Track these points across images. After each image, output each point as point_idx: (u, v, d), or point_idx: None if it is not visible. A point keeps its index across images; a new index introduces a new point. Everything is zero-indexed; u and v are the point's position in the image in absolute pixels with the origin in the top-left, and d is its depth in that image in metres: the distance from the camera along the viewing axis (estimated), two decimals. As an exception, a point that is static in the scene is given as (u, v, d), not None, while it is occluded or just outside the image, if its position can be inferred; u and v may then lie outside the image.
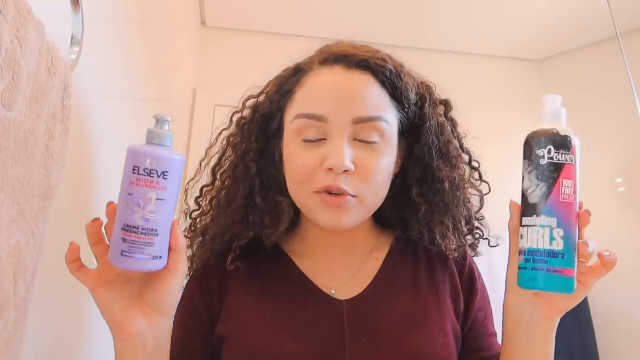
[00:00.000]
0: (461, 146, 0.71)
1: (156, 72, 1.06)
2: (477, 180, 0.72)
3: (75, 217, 0.56)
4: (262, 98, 0.70)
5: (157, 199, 0.44)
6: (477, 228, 0.71)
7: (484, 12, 1.84)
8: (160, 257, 0.47)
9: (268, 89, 0.69)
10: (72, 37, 0.50)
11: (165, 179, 0.45)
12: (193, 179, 0.72)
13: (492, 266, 1.21)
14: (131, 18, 0.81)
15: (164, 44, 1.14)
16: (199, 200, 0.72)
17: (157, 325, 0.50)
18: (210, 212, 0.70)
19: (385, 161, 0.61)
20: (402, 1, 1.76)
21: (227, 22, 1.95)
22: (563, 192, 0.49)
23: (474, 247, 0.71)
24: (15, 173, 0.37)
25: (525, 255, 0.50)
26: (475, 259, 0.73)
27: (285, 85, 0.66)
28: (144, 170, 0.44)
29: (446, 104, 0.71)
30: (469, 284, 0.69)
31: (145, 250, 0.45)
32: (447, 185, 0.66)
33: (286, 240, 0.70)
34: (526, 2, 1.78)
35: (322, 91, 0.61)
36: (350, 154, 0.57)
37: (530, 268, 0.49)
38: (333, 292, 0.63)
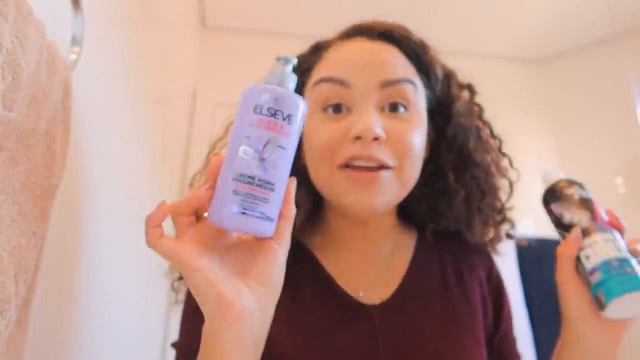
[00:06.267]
0: (491, 131, 0.67)
1: (156, 72, 1.06)
2: (506, 167, 0.68)
3: (75, 217, 0.56)
4: None
5: (279, 146, 0.37)
6: (508, 219, 0.67)
7: (483, 11, 1.84)
8: (272, 220, 0.38)
9: None
10: (72, 37, 0.50)
11: (290, 123, 0.38)
12: (200, 172, 0.69)
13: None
14: (131, 18, 0.81)
15: (164, 44, 1.14)
16: None
17: (266, 306, 0.39)
18: None
19: (418, 133, 0.54)
20: (402, 1, 1.76)
21: (227, 21, 1.95)
22: (599, 210, 0.56)
23: (509, 236, 0.68)
24: (16, 173, 0.37)
25: (600, 270, 0.50)
26: None
27: (303, 64, 0.61)
28: (268, 109, 0.37)
29: (470, 88, 0.67)
30: (496, 295, 0.65)
31: (259, 207, 0.37)
32: (482, 169, 0.62)
33: (305, 235, 0.62)
34: (526, 2, 1.78)
35: (344, 59, 0.56)
36: (379, 121, 0.51)
37: (616, 274, 0.49)
38: (361, 294, 0.57)
